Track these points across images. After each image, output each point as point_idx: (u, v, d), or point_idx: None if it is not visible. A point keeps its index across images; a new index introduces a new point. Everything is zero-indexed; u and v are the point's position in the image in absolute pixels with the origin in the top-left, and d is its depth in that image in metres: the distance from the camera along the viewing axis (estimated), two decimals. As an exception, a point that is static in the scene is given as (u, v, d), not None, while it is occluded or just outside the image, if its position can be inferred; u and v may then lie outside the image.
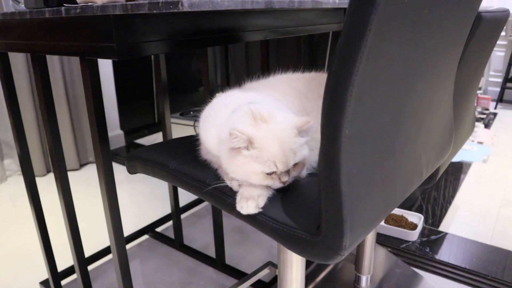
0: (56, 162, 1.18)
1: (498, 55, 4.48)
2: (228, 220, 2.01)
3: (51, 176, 2.64)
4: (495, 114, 3.94)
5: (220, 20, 1.05)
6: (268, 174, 0.69)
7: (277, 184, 0.71)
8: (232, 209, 0.71)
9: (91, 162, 2.90)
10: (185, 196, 2.26)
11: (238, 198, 0.71)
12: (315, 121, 0.83)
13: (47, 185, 2.50)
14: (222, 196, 0.74)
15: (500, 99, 4.33)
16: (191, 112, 2.91)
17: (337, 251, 0.58)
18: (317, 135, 0.86)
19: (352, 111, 0.51)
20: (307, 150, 0.72)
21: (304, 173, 0.78)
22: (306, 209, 0.66)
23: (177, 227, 1.80)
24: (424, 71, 0.63)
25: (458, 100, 1.00)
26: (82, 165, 2.86)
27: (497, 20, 1.02)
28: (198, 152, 0.86)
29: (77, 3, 0.90)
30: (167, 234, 1.92)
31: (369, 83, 0.51)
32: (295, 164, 0.71)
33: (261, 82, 0.95)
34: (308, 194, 0.71)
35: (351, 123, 0.52)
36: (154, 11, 0.71)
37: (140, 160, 0.91)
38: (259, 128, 0.70)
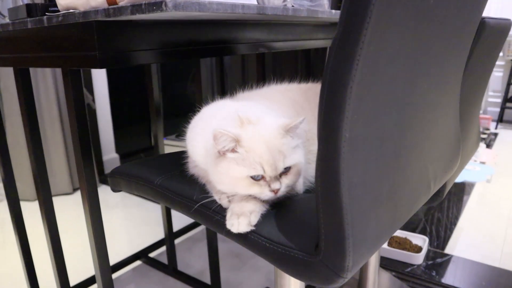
0: (40, 186, 1.12)
1: (496, 76, 4.47)
2: (224, 244, 1.93)
3: (42, 201, 2.56)
4: (495, 134, 3.89)
5: (212, 30, 1.00)
6: (255, 180, 0.63)
7: (267, 193, 0.63)
8: (221, 227, 0.64)
9: (84, 186, 2.82)
10: (181, 220, 2.18)
11: (228, 215, 0.64)
12: (309, 124, 0.77)
13: (37, 210, 2.42)
14: (210, 213, 0.67)
15: (500, 119, 4.30)
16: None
17: (339, 273, 0.51)
18: (314, 147, 0.80)
19: (352, 111, 0.45)
20: (301, 156, 0.66)
21: (300, 188, 0.72)
22: (303, 226, 0.60)
23: (171, 252, 1.72)
24: (429, 68, 0.57)
25: (463, 112, 0.95)
26: (75, 189, 2.78)
27: (501, 27, 0.98)
28: (185, 167, 0.79)
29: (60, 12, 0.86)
30: (160, 260, 1.83)
31: (370, 79, 0.46)
32: (287, 171, 0.65)
33: (254, 92, 0.89)
34: (305, 210, 0.65)
35: (351, 124, 0.46)
36: (137, 14, 0.67)
37: (123, 176, 0.84)
38: (246, 129, 0.65)
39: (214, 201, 0.68)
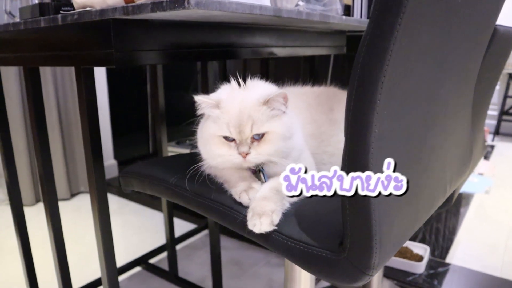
0: (46, 186, 1.11)
1: (492, 89, 4.51)
2: (224, 252, 1.91)
3: (40, 206, 2.53)
4: (492, 147, 3.92)
5: (224, 33, 1.01)
6: (228, 141, 0.68)
7: (236, 155, 0.67)
8: (243, 227, 0.63)
9: (82, 192, 2.80)
10: (180, 228, 2.16)
11: (249, 214, 0.63)
12: (323, 127, 0.78)
13: (35, 215, 2.38)
14: (229, 213, 0.66)
15: (496, 132, 4.33)
16: (187, 141, 2.85)
17: (365, 270, 0.51)
18: (329, 148, 0.80)
19: (382, 106, 0.45)
20: (278, 126, 0.68)
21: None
22: (324, 224, 0.59)
23: (172, 259, 1.70)
24: (454, 66, 0.58)
25: (473, 118, 0.96)
26: (73, 195, 2.75)
27: (510, 36, 0.99)
28: (201, 169, 0.78)
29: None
30: (160, 266, 1.81)
31: (401, 74, 0.46)
32: (259, 139, 0.67)
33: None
34: (324, 209, 0.64)
35: (381, 120, 0.46)
36: (158, 12, 0.67)
37: (136, 176, 0.84)
38: (232, 93, 0.70)
39: (234, 201, 0.68)
